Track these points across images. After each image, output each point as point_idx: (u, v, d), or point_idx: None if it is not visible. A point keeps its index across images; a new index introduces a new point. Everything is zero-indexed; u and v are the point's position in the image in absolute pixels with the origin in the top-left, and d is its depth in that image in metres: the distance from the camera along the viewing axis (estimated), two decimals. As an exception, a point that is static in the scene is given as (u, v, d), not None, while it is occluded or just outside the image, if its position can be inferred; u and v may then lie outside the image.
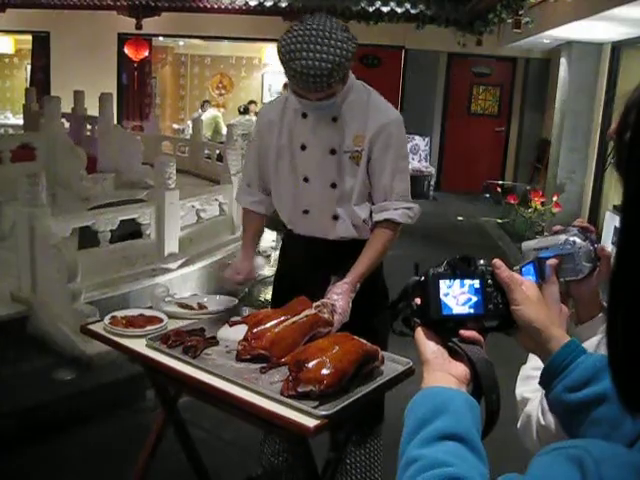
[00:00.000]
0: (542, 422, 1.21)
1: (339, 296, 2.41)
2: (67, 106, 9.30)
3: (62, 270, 4.49)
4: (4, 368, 4.24)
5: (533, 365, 1.29)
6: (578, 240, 1.34)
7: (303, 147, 2.61)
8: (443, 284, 1.14)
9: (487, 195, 11.95)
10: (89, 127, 9.28)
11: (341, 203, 2.63)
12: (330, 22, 2.39)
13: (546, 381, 1.13)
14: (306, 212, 2.68)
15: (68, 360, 4.36)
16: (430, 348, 1.13)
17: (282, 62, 2.37)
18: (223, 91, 15.71)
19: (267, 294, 6.18)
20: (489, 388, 1.09)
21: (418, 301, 1.16)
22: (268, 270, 6.80)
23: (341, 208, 2.63)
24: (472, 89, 13.19)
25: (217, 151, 9.22)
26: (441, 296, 1.13)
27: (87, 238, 5.15)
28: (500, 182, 11.62)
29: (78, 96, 9.53)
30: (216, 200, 6.50)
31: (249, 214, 2.84)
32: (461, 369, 1.10)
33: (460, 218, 10.66)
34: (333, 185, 2.61)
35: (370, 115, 2.56)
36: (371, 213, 2.64)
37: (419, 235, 8.14)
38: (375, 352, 2.14)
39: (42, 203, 4.66)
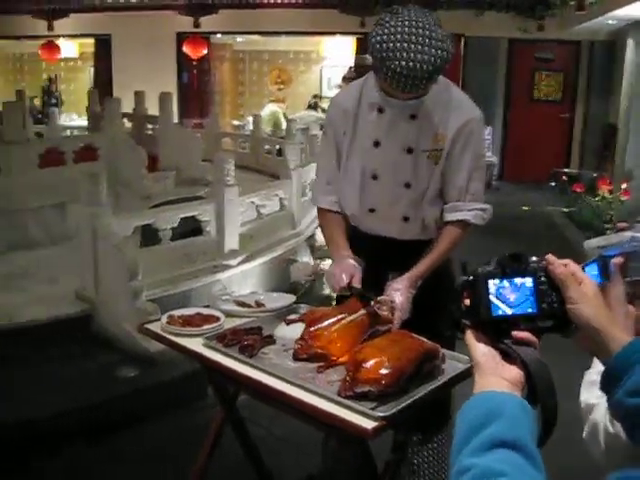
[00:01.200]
0: (610, 430, 1.14)
1: (397, 292, 2.36)
2: (129, 106, 9.47)
3: (124, 268, 4.54)
4: (69, 366, 4.31)
5: (598, 369, 1.21)
6: None
7: (376, 143, 2.51)
8: (492, 283, 1.11)
9: (552, 184, 11.67)
10: (150, 126, 9.41)
11: (414, 204, 2.54)
12: (428, 17, 2.24)
13: (607, 385, 1.08)
14: (372, 211, 2.60)
15: (131, 358, 4.40)
16: (481, 351, 1.10)
17: (377, 59, 2.24)
18: (282, 86, 15.72)
19: (327, 290, 6.14)
20: (545, 392, 1.05)
21: (467, 302, 1.12)
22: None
23: (413, 209, 2.54)
24: (534, 75, 12.89)
25: (277, 146, 9.23)
26: (491, 296, 1.10)
27: (148, 236, 5.20)
28: (566, 170, 11.36)
29: (139, 96, 9.68)
30: (276, 195, 6.49)
31: (331, 216, 2.64)
32: (514, 372, 1.06)
33: (525, 208, 10.44)
34: (407, 185, 2.52)
35: (452, 112, 2.45)
36: (441, 213, 2.57)
37: (486, 227, 7.99)
38: (435, 350, 2.10)
39: (103, 203, 4.72)
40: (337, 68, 14.15)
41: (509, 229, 8.85)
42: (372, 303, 2.27)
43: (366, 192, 2.57)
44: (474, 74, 12.43)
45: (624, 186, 8.85)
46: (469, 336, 1.12)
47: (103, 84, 13.60)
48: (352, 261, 2.45)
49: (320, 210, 2.72)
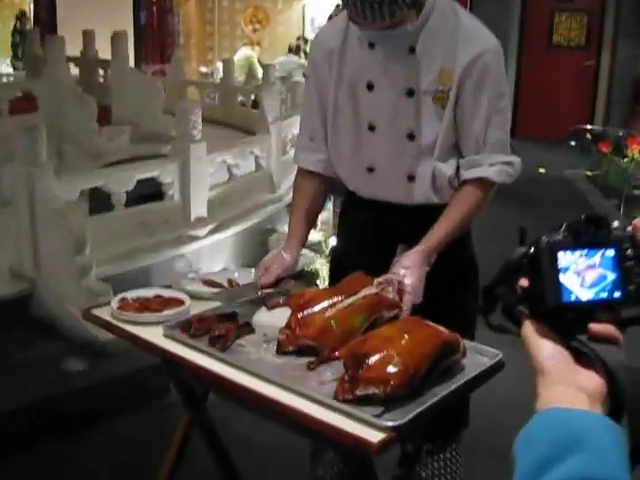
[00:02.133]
0: None
1: (408, 270, 2.28)
2: (75, 49, 9.28)
3: (69, 240, 4.48)
4: (4, 356, 4.26)
5: None
6: None
7: (370, 86, 2.45)
8: (563, 257, 0.99)
9: (573, 142, 11.65)
10: (101, 72, 9.39)
11: (420, 159, 2.47)
12: None
13: None
14: (371, 170, 2.53)
15: (78, 347, 4.37)
16: (547, 351, 0.98)
17: None
18: (257, 26, 15.54)
19: (318, 267, 6.11)
20: (635, 407, 0.93)
21: (525, 283, 1.01)
22: (316, 237, 6.72)
23: (420, 166, 2.47)
24: (554, 17, 12.86)
25: (252, 97, 9.31)
26: (560, 275, 0.98)
27: (98, 202, 5.19)
28: (589, 127, 11.32)
29: (87, 36, 9.59)
30: (251, 153, 6.51)
31: (308, 180, 2.66)
32: (594, 381, 0.95)
33: (541, 170, 10.49)
34: (410, 136, 2.45)
35: (460, 43, 2.37)
36: (457, 170, 2.49)
37: (495, 190, 7.95)
38: (455, 342, 2.04)
39: (43, 161, 4.65)
40: (322, 6, 13.99)
41: (521, 195, 8.82)
42: (375, 284, 2.22)
43: (362, 147, 2.54)
44: (483, 16, 12.19)
45: (658, 145, 8.84)
46: (529, 330, 1.00)
47: (44, 21, 13.36)
48: (287, 255, 2.53)
49: (299, 172, 2.71)
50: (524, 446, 0.88)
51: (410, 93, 2.40)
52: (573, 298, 0.98)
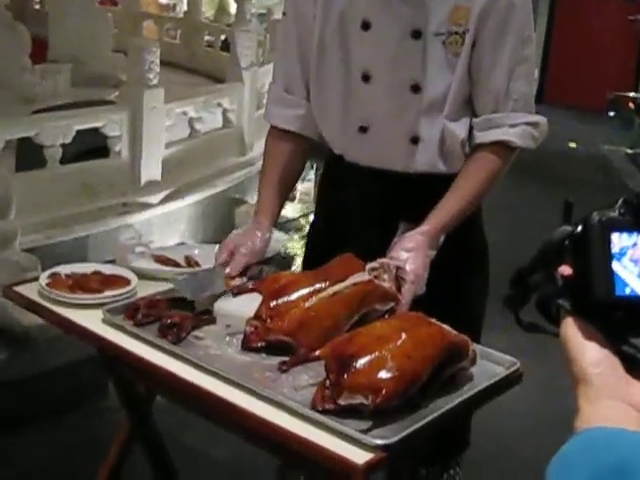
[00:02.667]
0: None
1: (410, 253, 2.27)
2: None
3: None
4: None
5: None
6: None
7: (365, 25, 2.43)
8: (617, 240, 0.99)
9: (612, 113, 11.71)
10: None
11: (426, 117, 2.46)
12: None
13: None
14: (364, 130, 2.52)
15: None
16: (592, 356, 0.99)
17: None
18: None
19: (295, 249, 6.12)
20: None
21: (568, 271, 1.01)
22: (294, 212, 6.73)
23: (425, 125, 2.47)
24: (595, -43, 12.96)
25: (222, 36, 9.27)
26: (613, 262, 0.98)
27: (28, 156, 5.16)
28: (632, 95, 11.39)
29: None
30: (219, 105, 6.54)
31: (282, 141, 2.65)
32: None
33: (572, 145, 10.61)
34: (414, 88, 2.43)
35: None
36: (470, 131, 2.48)
37: (513, 167, 7.99)
38: (464, 345, 2.04)
39: None
40: None
41: (545, 172, 8.90)
42: (367, 269, 2.21)
43: (353, 102, 2.53)
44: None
45: None
46: (570, 329, 0.99)
47: None
48: (257, 236, 2.51)
49: (271, 136, 2.70)
50: (559, 473, 0.88)
51: (416, 35, 2.39)
52: (628, 291, 0.98)
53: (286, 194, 2.70)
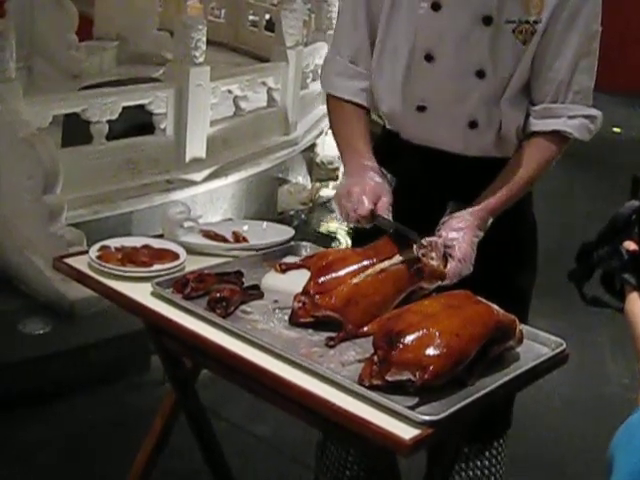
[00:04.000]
0: None
1: (459, 233, 2.26)
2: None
3: (36, 175, 4.48)
4: None
5: None
6: None
7: (436, 6, 2.39)
8: None
9: (657, 98, 11.62)
10: None
11: (488, 102, 2.44)
12: None
13: None
14: (422, 109, 2.50)
15: (41, 306, 4.39)
16: None
17: None
18: None
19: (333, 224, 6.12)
20: None
21: (633, 246, 1.02)
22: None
23: (485, 110, 2.45)
24: None
25: (266, 15, 9.22)
26: None
27: (74, 132, 5.17)
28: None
29: None
30: (263, 84, 6.50)
31: (349, 110, 2.58)
32: None
33: (616, 130, 10.45)
34: (480, 73, 2.40)
35: None
36: (526, 118, 2.47)
37: None
38: (511, 325, 2.04)
39: (11, 77, 4.63)
40: None
41: (588, 158, 8.78)
42: (416, 247, 2.19)
43: (414, 79, 2.49)
44: None
45: None
46: (635, 305, 0.99)
47: None
48: (378, 177, 2.39)
49: (333, 100, 2.64)
50: (626, 443, 0.88)
51: (487, 21, 2.35)
52: None
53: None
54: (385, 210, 2.32)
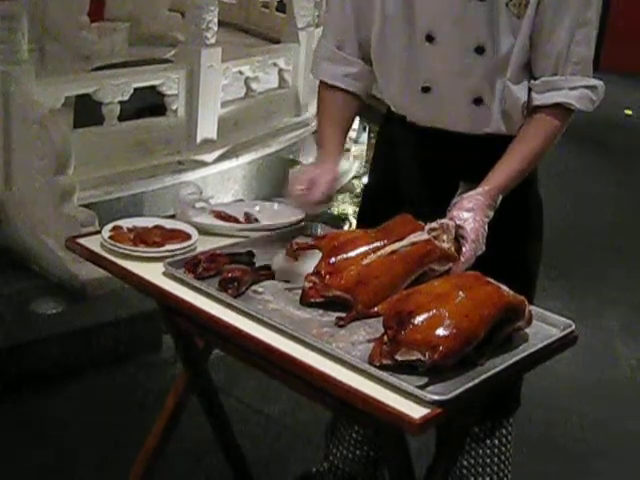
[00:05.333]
0: None
1: (470, 214, 2.26)
2: None
3: (48, 156, 4.48)
4: None
5: None
6: None
7: None
8: None
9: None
10: None
11: (490, 78, 2.45)
12: None
13: None
14: (426, 90, 2.50)
15: (53, 286, 4.41)
16: None
17: None
18: None
19: (348, 210, 6.14)
20: None
21: None
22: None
23: (489, 87, 2.45)
24: None
25: None
26: None
27: (86, 112, 5.16)
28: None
29: None
30: (275, 65, 6.50)
31: (334, 96, 2.64)
32: None
33: (628, 112, 10.37)
34: (479, 49, 2.41)
35: None
36: (528, 93, 2.46)
37: (568, 134, 7.91)
38: (521, 306, 2.04)
39: (23, 59, 4.63)
40: None
41: (598, 140, 8.76)
42: (427, 229, 2.20)
43: (417, 61, 2.50)
44: None
45: None
46: None
47: None
48: (330, 164, 2.52)
49: (322, 87, 2.67)
50: None
51: None
52: None
53: (345, 132, 2.68)
54: (321, 191, 2.43)
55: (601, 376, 4.45)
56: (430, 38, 2.43)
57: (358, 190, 6.61)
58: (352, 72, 2.60)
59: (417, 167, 2.60)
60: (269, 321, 2.02)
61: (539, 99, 2.43)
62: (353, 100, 2.64)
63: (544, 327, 2.13)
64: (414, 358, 1.83)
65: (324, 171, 2.49)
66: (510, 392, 2.73)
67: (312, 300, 2.13)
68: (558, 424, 3.93)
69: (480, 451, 2.74)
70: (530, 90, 2.46)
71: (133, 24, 7.85)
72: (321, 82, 2.67)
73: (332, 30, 2.64)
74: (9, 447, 3.49)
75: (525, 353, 2.01)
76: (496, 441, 2.75)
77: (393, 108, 2.63)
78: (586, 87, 2.42)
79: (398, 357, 1.84)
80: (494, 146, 2.45)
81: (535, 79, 2.45)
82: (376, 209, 2.57)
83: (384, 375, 1.82)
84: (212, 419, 2.88)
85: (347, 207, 6.25)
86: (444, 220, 2.24)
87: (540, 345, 2.04)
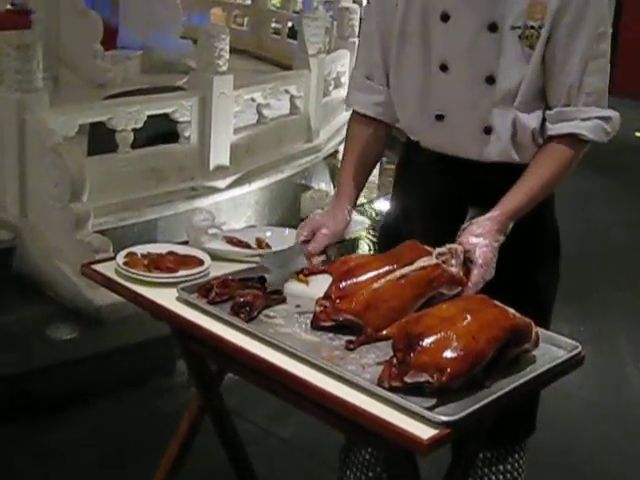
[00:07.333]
0: None
1: (479, 239, 2.26)
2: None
3: (63, 184, 4.51)
4: None
5: None
6: None
7: (445, 17, 2.43)
8: None
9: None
10: None
11: (499, 108, 2.46)
12: None
13: None
14: (440, 118, 2.52)
15: (68, 312, 4.42)
16: None
17: None
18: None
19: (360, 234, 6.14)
20: None
21: None
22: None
23: (499, 116, 2.46)
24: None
25: (289, 23, 9.30)
26: None
27: (100, 140, 5.19)
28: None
29: None
30: (286, 92, 6.52)
31: (362, 126, 2.67)
32: None
33: (639, 135, 10.31)
34: (490, 79, 2.43)
35: None
36: (543, 123, 2.47)
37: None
38: (527, 328, 2.03)
39: (38, 87, 4.68)
40: None
41: (611, 163, 8.72)
42: (435, 254, 2.21)
43: (431, 90, 2.52)
44: None
45: None
46: None
47: None
48: (339, 217, 2.56)
49: (352, 120, 2.72)
50: None
51: (492, 28, 2.38)
52: None
53: (366, 177, 2.70)
54: (319, 244, 2.46)
55: (614, 399, 4.44)
56: (444, 67, 2.46)
57: (370, 214, 6.62)
58: (381, 100, 2.63)
59: (430, 193, 2.61)
60: (281, 344, 2.01)
61: (552, 129, 2.43)
62: (382, 129, 2.66)
63: (551, 349, 2.11)
64: (422, 380, 1.83)
65: (329, 221, 2.52)
66: (525, 416, 2.70)
67: (323, 324, 2.12)
68: (569, 446, 3.92)
69: (493, 477, 2.72)
70: (545, 120, 2.46)
71: (146, 52, 7.95)
72: (352, 114, 2.71)
73: (362, 61, 2.70)
74: (24, 473, 3.50)
75: (532, 374, 1.99)
76: (509, 466, 2.73)
77: (409, 134, 2.65)
78: (600, 118, 2.42)
79: (407, 379, 1.83)
80: (505, 173, 2.45)
81: (550, 109, 2.45)
82: (395, 236, 2.55)
83: (393, 397, 1.82)
84: (226, 442, 2.86)
85: (361, 232, 6.25)
86: (453, 245, 2.24)
87: (547, 366, 2.02)
